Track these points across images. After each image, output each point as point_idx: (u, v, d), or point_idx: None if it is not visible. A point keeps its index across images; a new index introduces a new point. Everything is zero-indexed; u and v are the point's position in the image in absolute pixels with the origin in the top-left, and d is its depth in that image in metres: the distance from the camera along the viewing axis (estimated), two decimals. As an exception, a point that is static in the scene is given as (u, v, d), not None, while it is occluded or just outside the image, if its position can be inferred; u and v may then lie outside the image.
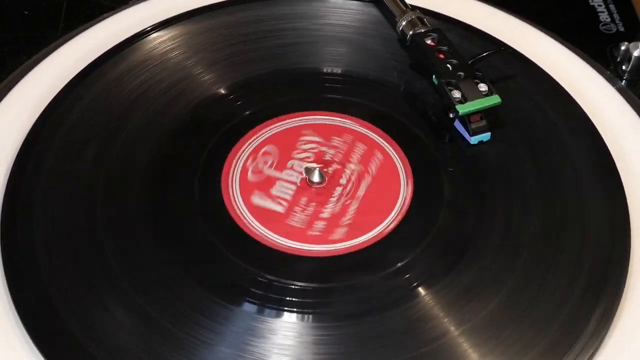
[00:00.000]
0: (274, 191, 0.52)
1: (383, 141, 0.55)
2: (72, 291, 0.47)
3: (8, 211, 0.50)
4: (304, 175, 0.53)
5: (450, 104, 0.53)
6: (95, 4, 0.66)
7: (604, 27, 0.67)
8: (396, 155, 0.54)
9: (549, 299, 0.47)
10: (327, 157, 0.54)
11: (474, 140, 0.54)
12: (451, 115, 0.54)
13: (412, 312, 0.46)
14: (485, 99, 0.53)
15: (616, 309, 0.47)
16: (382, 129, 0.56)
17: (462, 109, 0.53)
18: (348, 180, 0.53)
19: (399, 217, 0.51)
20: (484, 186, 0.53)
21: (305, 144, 0.54)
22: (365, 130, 0.56)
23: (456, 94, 0.54)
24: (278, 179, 0.52)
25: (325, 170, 0.53)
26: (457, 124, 0.55)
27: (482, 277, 0.48)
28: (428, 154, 0.55)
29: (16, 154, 0.53)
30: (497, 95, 0.54)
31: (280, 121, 0.56)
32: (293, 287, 0.47)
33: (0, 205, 0.50)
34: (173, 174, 0.53)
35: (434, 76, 0.55)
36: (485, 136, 0.54)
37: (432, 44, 0.57)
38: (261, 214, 0.51)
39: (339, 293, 0.48)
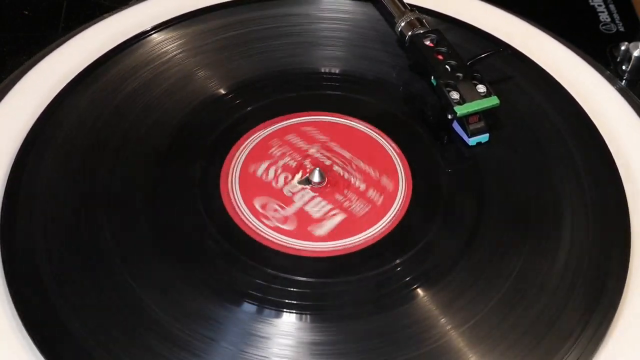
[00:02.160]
0: (316, 214, 0.51)
1: (383, 140, 0.55)
2: (72, 291, 0.47)
3: (8, 211, 0.50)
4: (309, 185, 0.53)
5: (449, 105, 0.54)
6: (95, 4, 0.66)
7: (604, 27, 0.67)
8: (396, 156, 0.54)
9: (549, 299, 0.47)
10: (293, 164, 0.54)
11: (472, 141, 0.54)
12: (449, 117, 0.54)
13: (411, 313, 0.46)
14: (484, 101, 0.53)
15: (616, 309, 0.47)
16: (381, 130, 0.56)
17: (460, 110, 0.53)
18: (328, 158, 0.54)
19: (398, 218, 0.51)
20: (483, 187, 0.53)
21: (265, 174, 0.53)
22: (277, 125, 0.56)
23: (454, 95, 0.54)
24: (303, 206, 0.52)
25: (310, 169, 0.53)
26: (456, 125, 0.55)
27: (482, 278, 0.48)
28: (427, 155, 0.55)
29: (16, 154, 0.53)
30: (495, 97, 0.54)
31: (280, 121, 0.56)
32: (292, 287, 0.48)
33: (0, 205, 0.50)
34: (173, 173, 0.53)
35: (432, 77, 0.55)
36: (484, 137, 0.54)
37: (431, 45, 0.57)
38: (337, 232, 0.50)
39: (339, 293, 0.48)
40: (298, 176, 0.53)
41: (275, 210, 0.52)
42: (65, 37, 0.61)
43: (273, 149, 0.55)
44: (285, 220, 0.51)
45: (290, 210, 0.52)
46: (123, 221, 0.50)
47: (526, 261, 0.49)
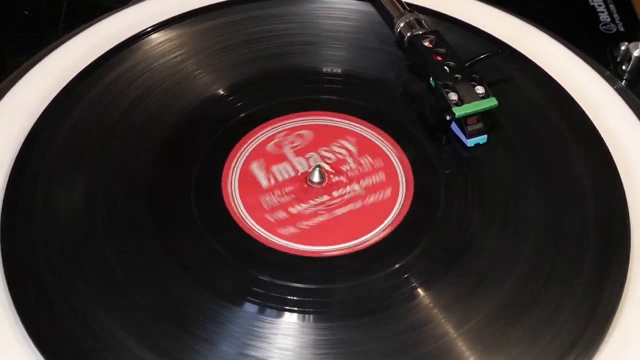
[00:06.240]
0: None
1: (382, 141, 0.55)
2: (72, 291, 0.47)
3: (8, 212, 0.50)
4: (309, 186, 0.53)
5: (447, 106, 0.54)
6: (95, 4, 0.66)
7: (604, 27, 0.67)
8: (395, 157, 0.55)
9: (549, 299, 0.47)
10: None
11: (470, 142, 0.54)
12: (447, 118, 0.54)
13: (412, 313, 0.47)
14: (482, 102, 0.53)
15: (616, 309, 0.47)
16: (380, 130, 0.56)
17: (458, 111, 0.53)
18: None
19: (398, 219, 0.51)
20: (482, 188, 0.53)
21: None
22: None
23: (453, 96, 0.54)
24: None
25: (310, 169, 0.53)
26: (454, 127, 0.55)
27: (482, 278, 0.48)
28: (425, 156, 0.55)
29: (16, 154, 0.53)
30: (494, 98, 0.54)
31: (279, 122, 0.56)
32: (293, 288, 0.48)
33: (0, 205, 0.50)
34: (173, 174, 0.53)
35: (431, 78, 0.55)
36: (482, 139, 0.54)
37: (430, 45, 0.57)
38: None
39: (340, 294, 0.48)
40: (297, 177, 0.53)
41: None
42: (65, 37, 0.61)
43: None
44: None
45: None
46: (123, 221, 0.50)
47: (526, 261, 0.49)
